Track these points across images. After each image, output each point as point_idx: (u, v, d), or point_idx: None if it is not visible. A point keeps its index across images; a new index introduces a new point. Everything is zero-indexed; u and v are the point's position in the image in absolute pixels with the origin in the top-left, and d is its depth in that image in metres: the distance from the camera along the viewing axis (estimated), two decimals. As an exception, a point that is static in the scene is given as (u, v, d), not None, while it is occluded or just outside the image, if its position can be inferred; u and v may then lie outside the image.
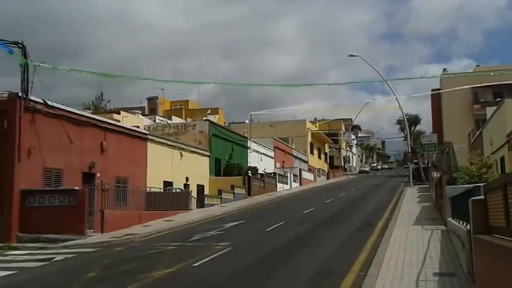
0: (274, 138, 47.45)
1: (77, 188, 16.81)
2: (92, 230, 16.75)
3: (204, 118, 41.64)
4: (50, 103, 17.45)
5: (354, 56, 37.17)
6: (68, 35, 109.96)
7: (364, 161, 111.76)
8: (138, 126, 27.75)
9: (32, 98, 16.61)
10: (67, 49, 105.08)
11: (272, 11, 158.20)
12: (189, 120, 44.95)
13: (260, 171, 39.23)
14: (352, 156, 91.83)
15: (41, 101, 17.04)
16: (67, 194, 16.30)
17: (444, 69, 50.72)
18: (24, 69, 16.38)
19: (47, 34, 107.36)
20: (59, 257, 12.68)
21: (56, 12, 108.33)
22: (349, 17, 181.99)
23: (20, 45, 16.52)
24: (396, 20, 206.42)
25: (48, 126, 17.26)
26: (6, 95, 17.15)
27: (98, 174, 19.38)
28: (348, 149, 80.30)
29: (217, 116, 56.39)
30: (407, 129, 43.71)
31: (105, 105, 44.15)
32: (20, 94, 16.22)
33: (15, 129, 15.97)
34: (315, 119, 74.34)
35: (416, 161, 51.35)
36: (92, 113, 25.33)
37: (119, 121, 27.38)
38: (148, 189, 22.84)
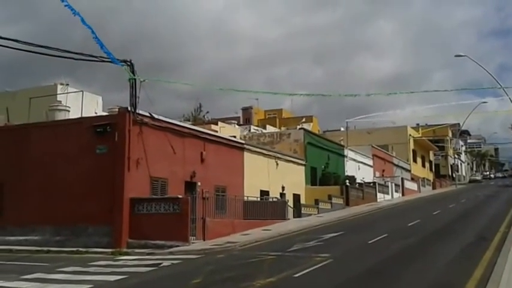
0: (372, 146, 45.65)
1: (180, 196, 17.47)
2: (194, 237, 17.27)
3: (299, 126, 41.43)
4: (155, 116, 18.51)
5: (460, 56, 34.51)
6: (168, 51, 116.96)
7: (474, 169, 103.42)
8: (234, 136, 28.40)
9: (140, 111, 17.71)
10: (167, 64, 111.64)
11: (367, 12, 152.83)
12: (283, 129, 45.03)
13: (358, 180, 37.97)
14: (461, 164, 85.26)
15: (147, 114, 18.12)
16: (172, 202, 17.01)
17: None
18: (132, 85, 17.53)
19: (149, 50, 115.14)
20: (165, 263, 13.15)
21: (158, 30, 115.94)
22: (454, 14, 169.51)
23: (129, 63, 17.73)
24: (506, 13, 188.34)
25: (154, 138, 18.28)
26: (116, 110, 18.57)
27: (199, 183, 20.04)
28: (456, 156, 74.56)
29: (312, 124, 55.70)
30: (524, 134, 39.49)
31: (203, 116, 45.97)
32: (128, 108, 17.38)
33: (124, 141, 17.10)
34: (417, 124, 70.46)
35: (535, 168, 46.29)
36: (192, 124, 26.42)
37: (216, 131, 28.27)
38: (245, 198, 23.15)
